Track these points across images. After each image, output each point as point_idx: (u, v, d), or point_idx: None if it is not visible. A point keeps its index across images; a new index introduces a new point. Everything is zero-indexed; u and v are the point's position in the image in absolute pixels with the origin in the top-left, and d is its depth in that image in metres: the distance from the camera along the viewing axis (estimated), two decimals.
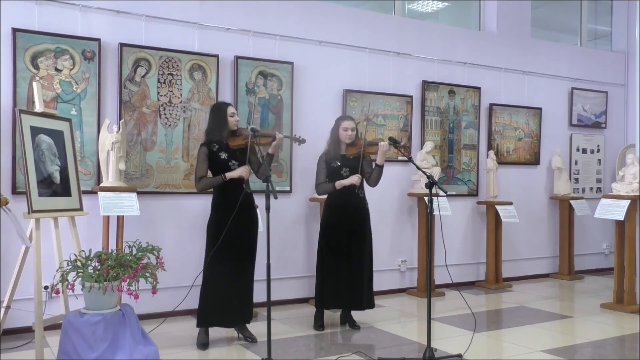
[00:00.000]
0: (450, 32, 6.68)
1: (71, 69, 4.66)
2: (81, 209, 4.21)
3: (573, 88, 7.50)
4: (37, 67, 4.54)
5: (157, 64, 5.01)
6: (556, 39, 7.91)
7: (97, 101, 4.76)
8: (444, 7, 7.28)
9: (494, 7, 6.99)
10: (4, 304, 3.85)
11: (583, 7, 7.98)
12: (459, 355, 3.94)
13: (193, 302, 4.39)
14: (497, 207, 6.48)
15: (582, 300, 6.03)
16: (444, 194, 4.25)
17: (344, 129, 4.62)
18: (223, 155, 4.21)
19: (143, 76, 4.95)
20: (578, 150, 7.64)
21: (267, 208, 3.64)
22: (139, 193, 4.73)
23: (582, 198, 7.29)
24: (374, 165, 4.66)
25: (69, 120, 4.31)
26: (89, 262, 3.42)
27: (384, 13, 6.40)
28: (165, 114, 5.05)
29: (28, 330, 4.08)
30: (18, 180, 4.44)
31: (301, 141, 4.47)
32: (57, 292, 4.01)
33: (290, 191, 5.62)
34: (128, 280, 3.39)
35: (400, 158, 5.93)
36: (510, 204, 6.58)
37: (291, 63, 5.60)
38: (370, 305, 4.73)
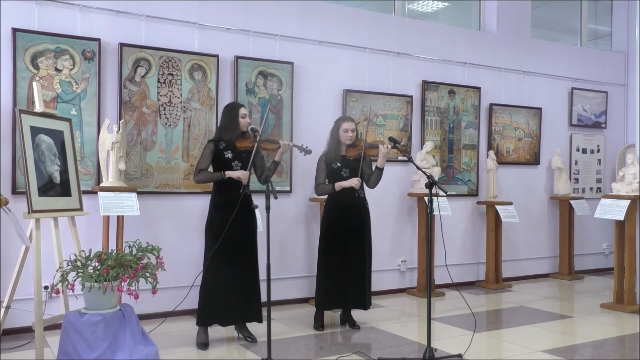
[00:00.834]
0: (450, 32, 6.68)
1: (71, 69, 4.66)
2: (81, 209, 4.21)
3: (573, 88, 7.50)
4: (37, 67, 4.54)
5: (157, 64, 5.01)
6: (556, 39, 7.91)
7: (97, 101, 4.76)
8: (444, 7, 7.28)
9: (494, 7, 6.99)
10: (4, 304, 3.85)
11: (583, 7, 7.98)
12: (459, 355, 3.94)
13: (193, 302, 4.39)
14: (497, 207, 6.48)
15: (582, 300, 6.03)
16: (444, 194, 4.25)
17: (344, 130, 4.62)
18: (228, 155, 4.21)
19: (143, 76, 4.95)
20: (578, 150, 7.64)
21: (267, 208, 3.64)
22: (139, 193, 4.73)
23: (582, 198, 7.29)
24: (374, 167, 4.66)
25: (69, 120, 4.31)
26: (89, 262, 3.42)
27: (384, 13, 6.40)
28: (165, 114, 5.05)
29: (28, 330, 4.08)
30: (18, 180, 4.44)
31: (307, 151, 4.42)
32: (57, 292, 4.01)
33: (290, 191, 5.62)
34: (128, 280, 3.39)
35: (400, 158, 5.93)
36: (510, 204, 6.58)
37: (291, 63, 5.60)
38: (367, 305, 4.73)
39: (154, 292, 3.50)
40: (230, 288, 4.16)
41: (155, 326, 4.45)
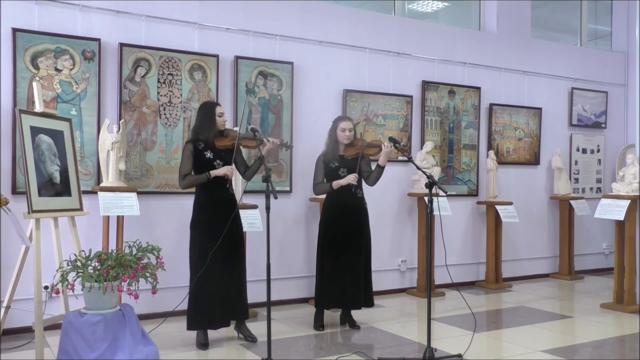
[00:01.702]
0: (450, 32, 6.68)
1: (71, 69, 4.66)
2: (81, 209, 4.21)
3: (573, 88, 7.50)
4: (37, 67, 4.54)
5: (157, 64, 5.01)
6: (556, 39, 7.91)
7: (97, 101, 4.76)
8: (444, 7, 7.28)
9: (494, 7, 6.99)
10: (4, 304, 3.85)
11: (583, 7, 7.98)
12: (459, 355, 3.94)
13: None
14: (497, 207, 6.48)
15: (582, 300, 6.03)
16: (444, 194, 4.25)
17: (342, 129, 4.62)
18: (208, 155, 4.18)
19: (143, 76, 4.95)
20: (578, 150, 7.64)
21: (267, 208, 3.64)
22: (138, 193, 4.73)
23: (582, 198, 7.29)
24: (373, 166, 4.66)
25: (69, 120, 4.31)
26: (89, 262, 3.42)
27: (384, 13, 6.40)
28: (165, 114, 5.05)
29: (28, 330, 4.08)
30: (18, 180, 4.44)
31: (288, 146, 4.51)
32: (57, 292, 4.01)
33: (290, 191, 5.62)
34: (128, 280, 3.40)
35: (400, 158, 5.93)
36: (510, 204, 6.58)
37: (291, 63, 5.60)
38: (370, 303, 4.74)
39: (153, 292, 3.50)
40: (216, 292, 4.11)
41: (155, 326, 4.45)
